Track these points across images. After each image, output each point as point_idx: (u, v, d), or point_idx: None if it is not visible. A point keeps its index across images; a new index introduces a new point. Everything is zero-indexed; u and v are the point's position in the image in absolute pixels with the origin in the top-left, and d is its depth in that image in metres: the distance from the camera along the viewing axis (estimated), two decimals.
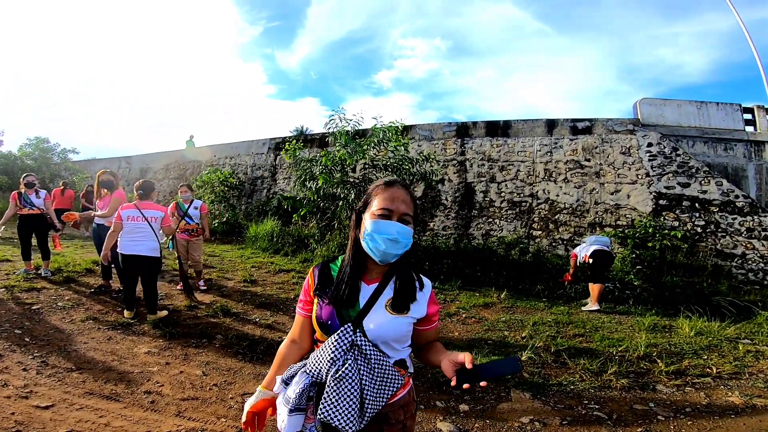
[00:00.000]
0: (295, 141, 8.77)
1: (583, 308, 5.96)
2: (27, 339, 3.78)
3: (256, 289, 6.10)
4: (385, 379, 1.15)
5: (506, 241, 8.68)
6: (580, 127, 9.53)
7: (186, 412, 2.73)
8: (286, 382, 1.18)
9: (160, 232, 4.67)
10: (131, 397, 2.89)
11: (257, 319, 4.80)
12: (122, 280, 5.27)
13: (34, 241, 6.16)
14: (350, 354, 1.13)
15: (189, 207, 5.92)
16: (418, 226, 9.67)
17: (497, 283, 6.98)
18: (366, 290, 1.25)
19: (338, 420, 1.07)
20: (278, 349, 1.34)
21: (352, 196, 7.76)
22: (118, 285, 5.55)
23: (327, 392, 1.10)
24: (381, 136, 7.62)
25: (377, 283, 1.25)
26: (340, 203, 8.05)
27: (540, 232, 9.35)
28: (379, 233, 1.20)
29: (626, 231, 8.26)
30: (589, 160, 9.31)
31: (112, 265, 5.57)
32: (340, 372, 1.10)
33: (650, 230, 7.88)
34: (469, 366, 1.07)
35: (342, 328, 1.16)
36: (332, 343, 1.15)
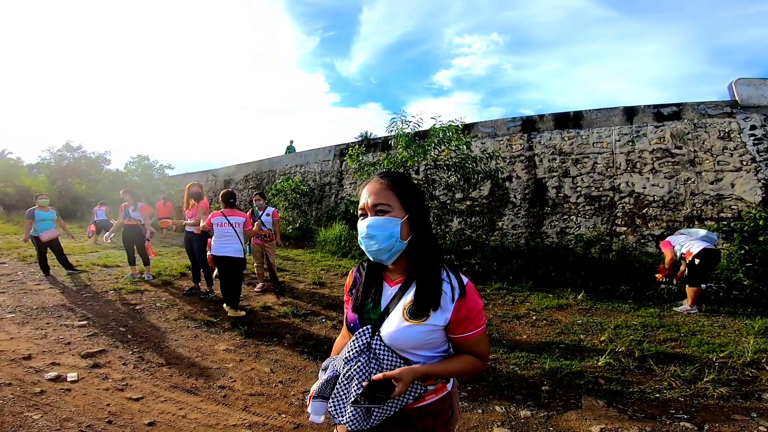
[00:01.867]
0: (357, 146, 8.98)
1: (676, 309, 5.31)
2: (129, 336, 4.32)
3: (324, 290, 6.35)
4: None
5: (585, 239, 8.04)
6: (665, 113, 8.51)
7: (252, 407, 2.92)
8: (324, 370, 1.27)
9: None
10: (207, 391, 3.16)
11: (323, 320, 4.98)
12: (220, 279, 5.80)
13: None
14: (363, 356, 1.14)
15: (262, 214, 6.36)
16: (442, 214, 9.12)
17: (574, 283, 6.48)
18: (388, 292, 1.23)
19: (341, 418, 1.10)
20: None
21: None
22: (205, 287, 6.13)
23: (336, 390, 1.14)
24: (441, 136, 7.50)
25: (399, 284, 1.21)
26: None
27: (625, 228, 8.52)
28: (359, 235, 1.19)
29: (732, 224, 7.17)
30: (680, 148, 8.28)
31: (201, 270, 6.21)
32: (350, 372, 1.13)
33: (761, 222, 6.76)
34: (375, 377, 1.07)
35: (359, 330, 1.19)
36: (349, 344, 1.18)
